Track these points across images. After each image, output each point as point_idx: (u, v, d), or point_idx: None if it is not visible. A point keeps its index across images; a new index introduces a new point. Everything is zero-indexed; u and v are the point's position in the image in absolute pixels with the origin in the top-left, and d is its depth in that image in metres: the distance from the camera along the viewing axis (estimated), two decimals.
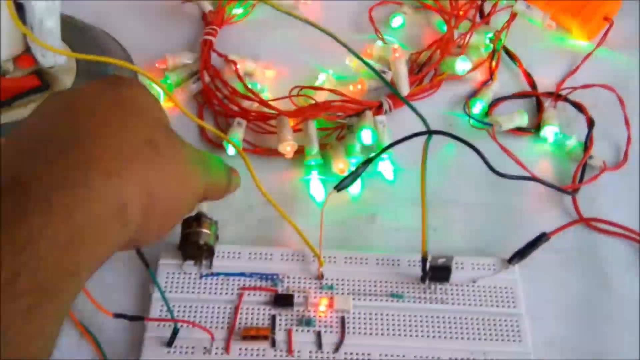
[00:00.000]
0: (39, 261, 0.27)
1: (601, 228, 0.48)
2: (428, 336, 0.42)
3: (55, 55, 0.47)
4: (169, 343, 0.40)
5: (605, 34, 0.60)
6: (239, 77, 0.53)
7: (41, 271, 0.27)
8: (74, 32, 0.50)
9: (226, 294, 0.43)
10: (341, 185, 0.45)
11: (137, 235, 0.33)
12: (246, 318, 0.42)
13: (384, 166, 0.50)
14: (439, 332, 0.42)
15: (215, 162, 0.40)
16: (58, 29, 0.46)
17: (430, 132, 0.45)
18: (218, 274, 0.44)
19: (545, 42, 0.61)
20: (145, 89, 0.36)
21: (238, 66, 0.54)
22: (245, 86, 0.52)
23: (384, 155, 0.50)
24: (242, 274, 0.44)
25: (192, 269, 0.44)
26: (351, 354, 0.41)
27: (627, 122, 0.53)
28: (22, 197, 0.28)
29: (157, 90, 0.50)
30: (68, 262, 0.28)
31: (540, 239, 0.45)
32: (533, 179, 0.48)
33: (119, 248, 0.32)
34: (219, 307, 0.42)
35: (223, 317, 0.42)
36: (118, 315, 0.40)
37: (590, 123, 0.53)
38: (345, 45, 0.51)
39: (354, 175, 0.46)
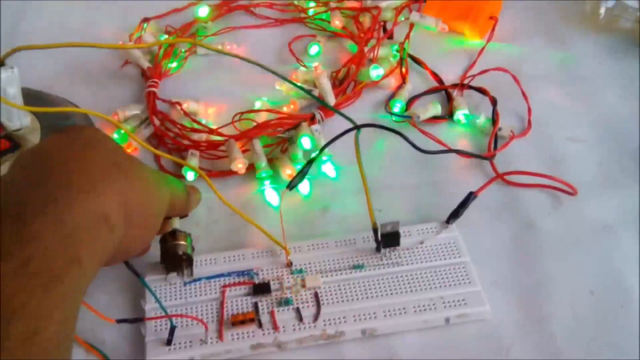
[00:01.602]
0: (44, 251, 0.34)
1: (518, 182, 0.56)
2: (391, 294, 0.48)
3: (20, 118, 0.53)
4: (168, 341, 0.45)
5: (492, 30, 0.69)
6: (186, 113, 0.59)
7: (48, 258, 0.34)
8: (32, 99, 0.55)
9: (210, 294, 0.48)
10: (292, 183, 0.52)
11: (125, 242, 0.40)
12: (232, 309, 0.47)
13: (326, 168, 0.57)
14: (400, 289, 0.48)
15: (174, 180, 0.48)
16: (20, 95, 0.52)
17: (357, 127, 0.52)
18: (200, 279, 0.49)
19: (444, 46, 0.70)
20: (100, 130, 0.43)
21: (184, 106, 0.60)
22: (194, 120, 0.59)
23: (324, 158, 0.57)
24: (221, 275, 0.49)
25: (176, 280, 0.49)
26: (329, 320, 0.46)
27: (524, 95, 0.62)
28: (21, 212, 0.35)
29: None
30: (70, 253, 0.35)
31: (469, 198, 0.53)
32: (455, 150, 0.56)
33: (113, 252, 0.39)
34: (206, 306, 0.47)
35: (211, 313, 0.47)
36: (120, 321, 0.45)
37: (494, 101, 0.62)
38: (272, 71, 0.58)
39: (301, 174, 0.52)
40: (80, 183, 0.37)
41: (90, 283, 0.38)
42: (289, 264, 0.50)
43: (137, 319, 0.46)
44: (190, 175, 0.56)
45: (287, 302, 0.47)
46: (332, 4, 0.72)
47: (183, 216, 0.50)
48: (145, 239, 0.43)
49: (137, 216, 0.40)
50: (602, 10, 0.69)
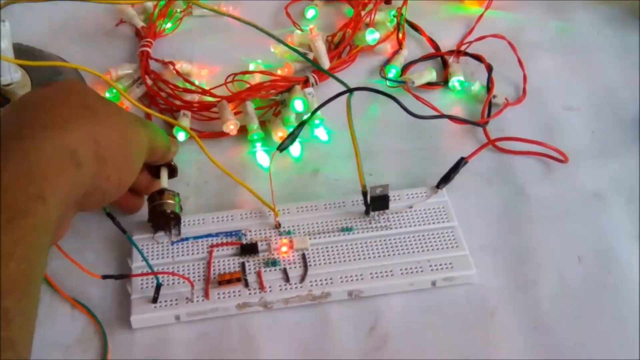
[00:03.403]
0: (5, 187, 0.33)
1: (509, 149, 0.55)
2: (379, 257, 0.48)
3: (10, 73, 0.53)
4: (154, 299, 0.45)
5: None
6: (179, 73, 0.59)
7: (9, 194, 0.33)
8: (24, 54, 0.55)
9: (197, 253, 0.48)
10: (282, 145, 0.51)
11: (98, 182, 0.40)
12: (219, 269, 0.47)
13: (319, 132, 0.57)
14: (388, 252, 0.48)
15: (154, 125, 0.47)
16: (11, 50, 0.51)
17: (350, 90, 0.51)
18: (187, 239, 0.49)
19: (442, 12, 0.70)
20: (79, 81, 0.43)
21: (177, 66, 0.60)
22: (186, 80, 0.58)
23: (316, 121, 0.56)
24: (209, 235, 0.49)
25: (163, 239, 0.49)
26: (316, 281, 0.46)
27: (520, 63, 0.61)
28: None
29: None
30: (33, 189, 0.34)
31: (459, 163, 0.52)
32: (447, 116, 0.55)
33: (83, 191, 0.39)
34: (193, 265, 0.47)
35: (198, 272, 0.47)
36: (106, 277, 0.45)
37: (489, 68, 0.61)
38: (268, 33, 0.58)
39: (292, 136, 0.52)
40: (46, 120, 0.37)
41: (58, 224, 0.37)
42: (278, 226, 0.49)
43: (123, 275, 0.46)
44: (181, 136, 0.55)
45: (274, 263, 0.47)
46: None
47: (172, 175, 0.50)
48: (122, 181, 0.42)
49: (110, 155, 0.40)
50: None
